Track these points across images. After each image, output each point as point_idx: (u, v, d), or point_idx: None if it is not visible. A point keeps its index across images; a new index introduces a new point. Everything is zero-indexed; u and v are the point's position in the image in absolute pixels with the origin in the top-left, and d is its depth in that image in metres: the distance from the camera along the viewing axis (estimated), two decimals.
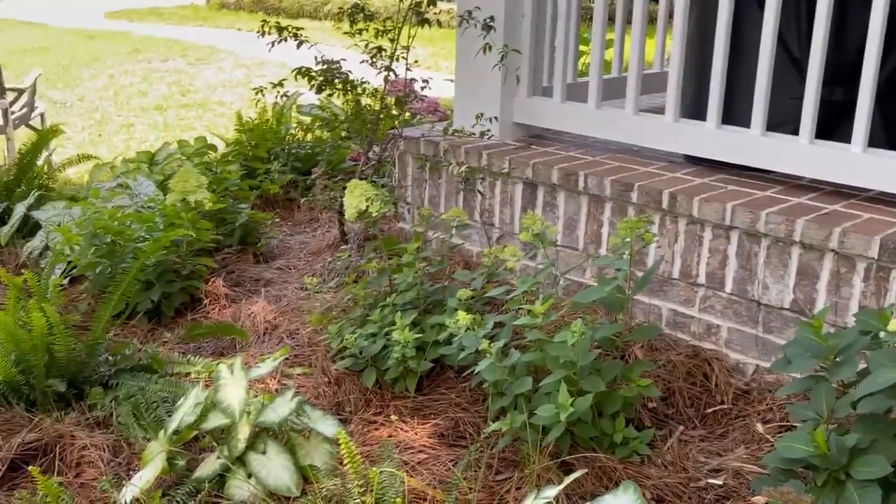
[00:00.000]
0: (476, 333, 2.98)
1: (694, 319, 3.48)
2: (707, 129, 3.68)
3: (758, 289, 3.26)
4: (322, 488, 2.64)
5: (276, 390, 3.33)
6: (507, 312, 3.27)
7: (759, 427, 3.08)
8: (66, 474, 2.93)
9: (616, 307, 3.01)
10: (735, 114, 3.65)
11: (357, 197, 3.52)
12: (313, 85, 3.99)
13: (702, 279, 3.42)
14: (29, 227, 4.83)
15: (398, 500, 2.50)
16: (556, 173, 3.83)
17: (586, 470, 2.37)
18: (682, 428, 3.14)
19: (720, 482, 2.79)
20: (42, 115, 7.70)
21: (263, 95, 4.10)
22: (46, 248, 4.48)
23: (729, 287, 3.35)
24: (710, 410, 3.22)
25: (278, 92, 4.09)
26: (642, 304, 3.63)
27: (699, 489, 2.78)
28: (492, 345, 2.87)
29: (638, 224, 2.90)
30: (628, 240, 2.89)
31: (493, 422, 2.89)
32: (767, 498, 2.29)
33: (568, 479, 2.05)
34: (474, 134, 4.27)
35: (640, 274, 3.47)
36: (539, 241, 3.02)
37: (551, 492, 2.04)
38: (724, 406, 3.23)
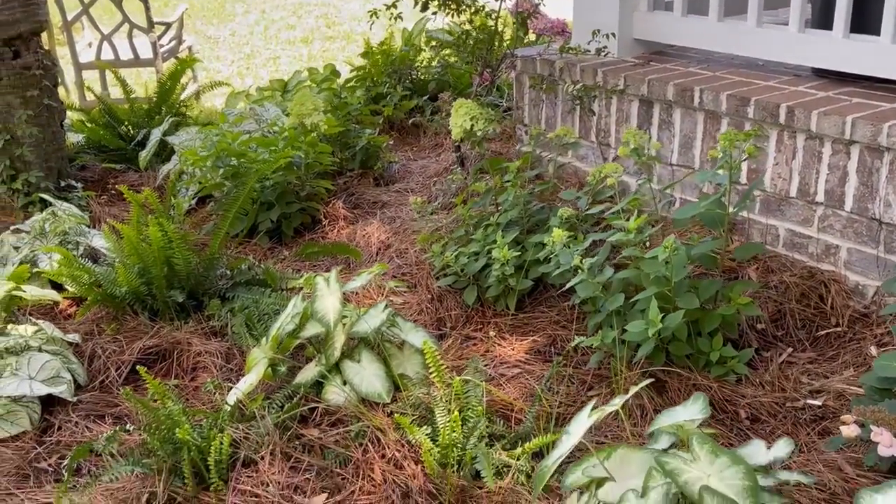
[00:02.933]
0: (572, 250, 2.96)
1: (812, 240, 3.32)
2: (833, 38, 3.45)
3: (879, 207, 3.06)
4: (411, 396, 2.72)
5: None
6: (608, 230, 3.22)
7: (874, 350, 2.93)
8: (183, 378, 3.14)
9: (716, 224, 2.90)
10: (864, 23, 3.40)
11: (461, 116, 3.52)
12: (418, 2, 3.98)
13: (820, 197, 3.24)
14: (166, 153, 5.10)
15: (480, 408, 2.54)
16: (672, 89, 3.69)
17: (659, 381, 2.32)
18: (790, 350, 3.03)
19: (819, 403, 2.68)
20: (190, 48, 8.03)
21: (377, 17, 4.12)
22: (182, 172, 4.73)
23: (849, 205, 3.16)
24: (822, 333, 3.08)
25: (391, 13, 4.10)
26: (759, 224, 3.48)
27: (796, 409, 2.68)
28: (584, 261, 2.84)
29: (739, 137, 2.77)
30: (729, 153, 2.77)
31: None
32: (857, 416, 2.20)
33: (633, 389, 2.03)
34: (590, 52, 4.16)
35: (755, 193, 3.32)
36: (637, 156, 2.94)
37: (618, 400, 2.02)
38: (839, 329, 3.08)
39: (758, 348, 3.01)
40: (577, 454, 2.36)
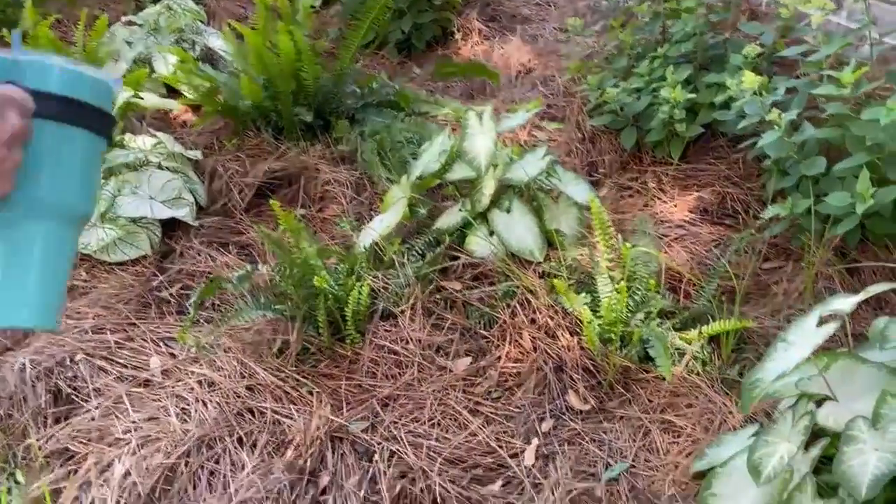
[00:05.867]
0: (763, 99, 2.53)
1: None
2: None
3: None
4: (567, 256, 2.42)
5: (526, 144, 3.08)
6: (802, 77, 2.76)
7: None
8: (310, 207, 2.89)
9: None
10: None
11: None
12: None
13: None
14: None
15: (652, 281, 2.24)
16: None
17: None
18: None
19: None
20: None
21: None
22: None
23: None
24: None
25: None
26: None
27: None
28: (782, 116, 2.42)
29: None
30: None
31: (770, 204, 2.50)
32: None
33: (873, 289, 1.68)
34: None
35: None
36: None
37: (842, 304, 1.68)
38: None
39: None
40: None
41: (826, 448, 1.65)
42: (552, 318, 2.30)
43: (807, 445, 1.63)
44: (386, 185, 2.82)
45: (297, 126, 3.13)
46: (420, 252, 2.50)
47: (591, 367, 2.21)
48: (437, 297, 2.43)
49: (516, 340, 2.30)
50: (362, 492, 1.98)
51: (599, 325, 2.19)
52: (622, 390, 2.16)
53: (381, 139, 3.03)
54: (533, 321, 2.32)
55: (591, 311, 2.21)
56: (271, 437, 2.10)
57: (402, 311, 2.36)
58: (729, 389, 2.12)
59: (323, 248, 2.48)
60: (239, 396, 2.20)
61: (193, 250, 2.72)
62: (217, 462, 2.06)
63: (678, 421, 2.07)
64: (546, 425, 2.11)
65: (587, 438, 2.07)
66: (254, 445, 2.10)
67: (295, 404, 2.17)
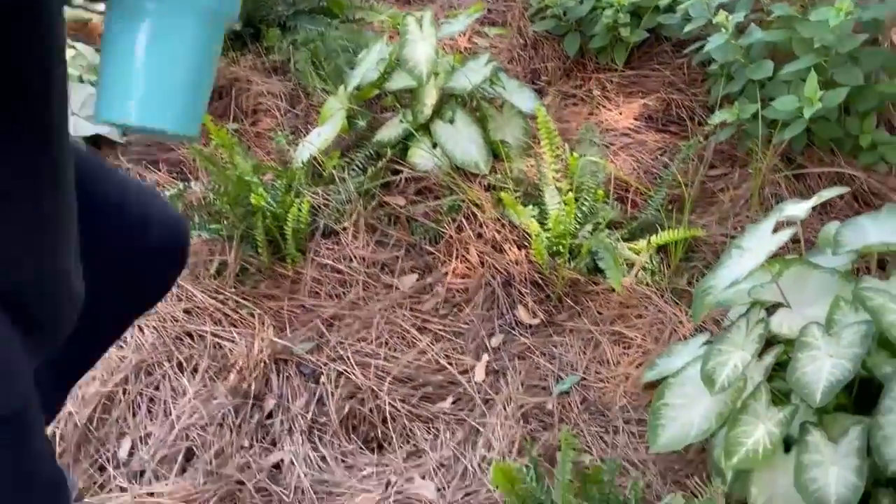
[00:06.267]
0: (709, 1, 2.47)
1: None
2: None
3: None
4: (513, 168, 2.36)
5: (467, 51, 2.97)
6: None
7: None
8: (242, 121, 2.76)
9: None
10: None
11: None
12: None
13: None
14: None
15: (600, 191, 2.19)
16: None
17: (846, 190, 1.95)
18: None
19: None
20: None
21: None
22: None
23: None
24: None
25: None
26: None
27: None
28: (729, 18, 2.36)
29: None
30: None
31: (717, 110, 2.46)
32: None
33: (827, 194, 1.65)
34: None
35: None
36: None
37: (796, 210, 1.65)
38: None
39: None
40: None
41: (779, 356, 1.64)
42: (499, 232, 2.25)
43: (760, 353, 1.62)
44: (322, 96, 2.71)
45: (225, 35, 2.97)
46: (361, 166, 2.41)
47: (540, 281, 2.17)
48: (381, 212, 2.35)
49: (463, 256, 2.25)
50: (310, 414, 1.93)
51: (547, 237, 2.15)
52: (571, 303, 2.13)
53: (315, 48, 2.89)
54: (480, 236, 2.27)
55: (539, 223, 2.16)
56: (213, 362, 2.03)
57: (345, 229, 2.28)
58: (678, 299, 2.10)
59: (258, 164, 2.38)
60: (177, 320, 2.11)
61: (121, 169, 2.58)
62: (157, 388, 1.98)
63: (628, 332, 2.05)
64: (496, 341, 2.07)
65: (537, 353, 2.04)
66: (195, 370, 2.02)
67: (236, 327, 2.10)
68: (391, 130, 2.47)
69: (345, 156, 2.46)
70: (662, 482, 1.74)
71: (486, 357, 2.03)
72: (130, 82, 0.88)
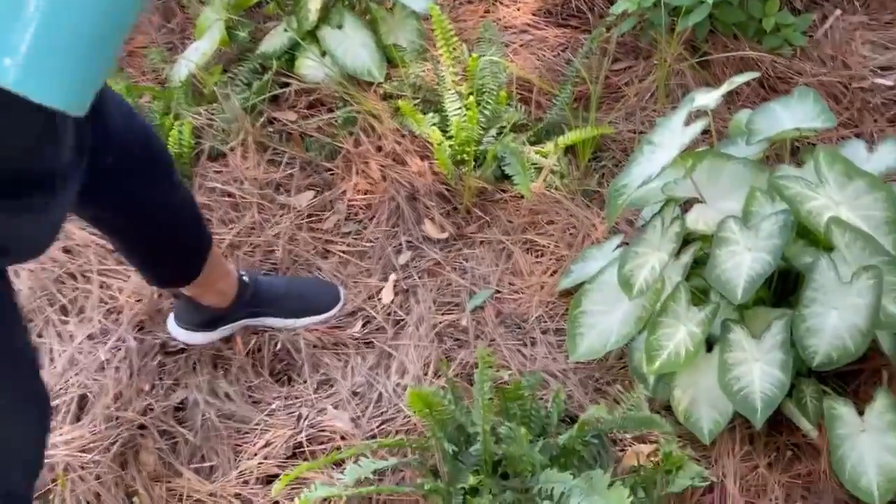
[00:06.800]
0: None
1: None
2: None
3: None
4: (409, 73, 2.22)
5: None
6: None
7: None
8: None
9: None
10: None
11: None
12: None
13: None
14: None
15: (502, 92, 2.07)
16: None
17: (756, 75, 1.87)
18: (838, 12, 2.56)
19: (890, 83, 2.30)
20: None
21: None
22: None
23: None
24: None
25: None
26: None
27: (863, 90, 2.29)
28: None
29: None
30: None
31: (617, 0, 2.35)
32: None
33: (736, 81, 1.57)
34: None
35: None
36: None
37: (707, 99, 1.57)
38: None
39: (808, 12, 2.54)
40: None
41: (697, 253, 1.59)
42: (399, 144, 2.12)
43: (677, 253, 1.56)
44: (197, 7, 2.49)
45: None
46: (245, 81, 2.24)
47: (446, 193, 2.06)
48: (270, 129, 2.19)
49: (363, 171, 2.12)
50: (212, 350, 1.80)
51: (451, 146, 2.03)
52: (480, 213, 2.03)
53: None
54: (379, 148, 2.13)
55: (441, 131, 2.04)
56: (101, 303, 1.88)
57: (233, 149, 2.12)
58: (590, 202, 2.02)
59: (132, 84, 2.18)
60: (56, 261, 1.94)
61: None
62: (41, 336, 1.83)
63: (540, 239, 1.97)
64: (403, 258, 1.96)
65: (448, 268, 1.94)
66: (81, 312, 1.87)
67: (123, 263, 1.93)
68: (276, 40, 2.29)
69: (227, 71, 2.28)
70: (584, 392, 1.69)
71: (393, 276, 1.92)
72: (12, 27, 0.65)
